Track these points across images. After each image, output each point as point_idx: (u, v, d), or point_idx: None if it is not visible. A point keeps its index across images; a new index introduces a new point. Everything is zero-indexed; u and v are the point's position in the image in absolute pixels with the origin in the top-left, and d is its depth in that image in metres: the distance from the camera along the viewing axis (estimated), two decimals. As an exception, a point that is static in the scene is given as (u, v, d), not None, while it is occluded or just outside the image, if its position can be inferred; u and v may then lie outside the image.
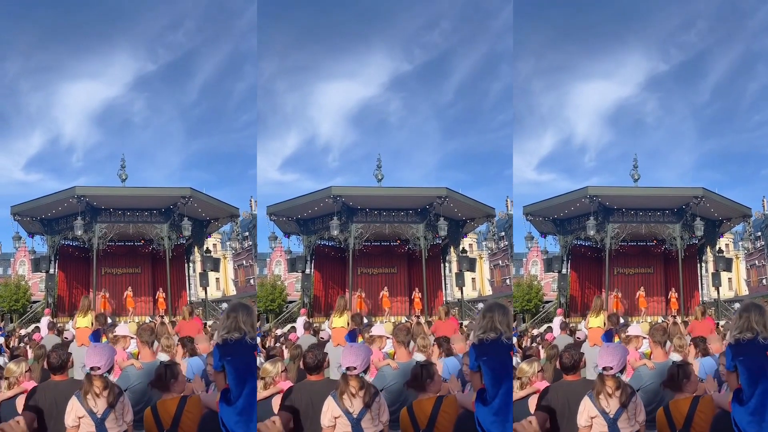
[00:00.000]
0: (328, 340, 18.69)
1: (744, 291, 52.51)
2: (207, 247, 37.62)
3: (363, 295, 35.45)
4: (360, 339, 14.83)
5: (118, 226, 34.01)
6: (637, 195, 34.39)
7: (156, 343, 12.49)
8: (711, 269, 37.95)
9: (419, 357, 11.72)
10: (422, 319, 27.47)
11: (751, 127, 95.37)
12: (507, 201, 44.51)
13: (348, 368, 7.85)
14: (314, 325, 24.87)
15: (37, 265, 36.35)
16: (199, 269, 37.44)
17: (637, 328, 13.76)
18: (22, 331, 28.13)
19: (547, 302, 44.87)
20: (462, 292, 38.19)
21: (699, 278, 38.16)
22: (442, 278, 38.78)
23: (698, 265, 38.11)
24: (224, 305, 39.12)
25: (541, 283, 49.57)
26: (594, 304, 21.31)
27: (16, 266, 52.65)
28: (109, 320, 21.67)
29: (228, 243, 51.71)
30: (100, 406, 7.91)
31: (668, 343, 12.48)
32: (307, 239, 36.39)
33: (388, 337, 13.19)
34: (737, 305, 38.81)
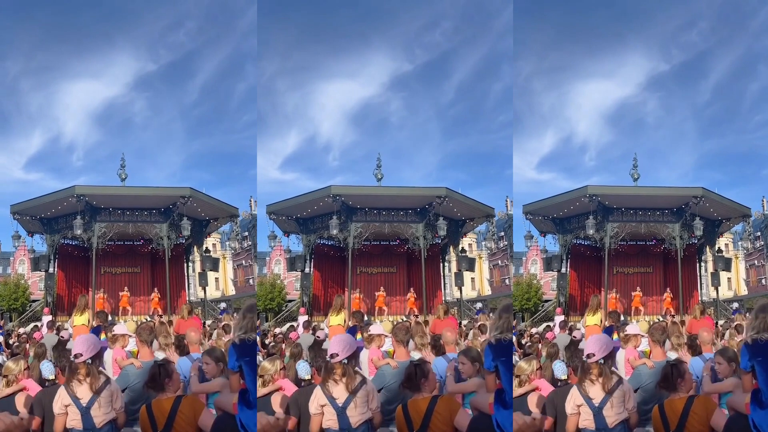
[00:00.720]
0: (325, 339, 18.69)
1: (743, 291, 52.56)
2: (206, 247, 37.62)
3: (361, 295, 35.47)
4: (358, 336, 14.88)
5: (118, 226, 34.00)
6: (637, 194, 34.39)
7: (155, 342, 12.50)
8: (710, 269, 37.98)
9: (417, 356, 11.75)
10: (420, 318, 27.52)
11: (752, 127, 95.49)
12: (507, 201, 44.58)
13: (331, 355, 7.93)
14: (314, 323, 24.88)
15: (36, 264, 36.35)
16: (198, 269, 37.45)
17: (636, 326, 13.79)
18: (21, 330, 28.13)
19: (546, 301, 44.96)
20: (461, 292, 38.21)
21: (698, 278, 38.20)
22: (442, 278, 38.81)
23: (697, 264, 38.13)
24: (222, 305, 39.20)
25: (541, 282, 49.67)
26: (591, 303, 21.41)
27: (16, 265, 52.67)
28: (109, 319, 21.68)
29: (227, 243, 51.77)
30: (85, 393, 7.95)
31: (667, 342, 12.49)
32: (307, 238, 36.39)
33: (387, 336, 13.22)
34: (735, 304, 38.91)
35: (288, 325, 28.24)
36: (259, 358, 12.92)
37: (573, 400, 8.03)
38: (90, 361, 8.05)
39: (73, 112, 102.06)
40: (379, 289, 36.67)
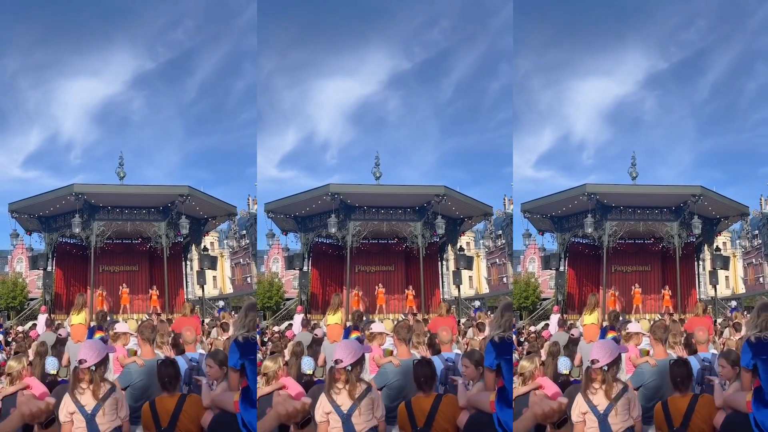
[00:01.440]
0: (323, 338, 18.69)
1: (741, 289, 52.58)
2: (204, 246, 37.61)
3: (360, 293, 35.48)
4: (354, 335, 14.87)
5: (116, 224, 34.01)
6: (635, 193, 34.43)
7: (162, 341, 12.47)
8: (708, 267, 38.00)
9: (416, 353, 11.74)
10: (419, 317, 27.52)
11: (750, 126, 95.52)
12: (504, 199, 44.59)
13: (335, 361, 7.88)
14: (312, 322, 24.87)
15: (34, 262, 36.32)
16: (196, 267, 37.43)
17: (637, 325, 13.78)
18: (20, 328, 28.11)
19: (545, 299, 44.95)
20: (459, 290, 38.21)
21: (696, 276, 38.23)
22: (440, 276, 38.83)
23: (695, 263, 38.16)
24: (221, 303, 39.15)
25: (539, 281, 49.64)
26: (589, 301, 21.37)
27: (14, 263, 52.62)
28: (109, 318, 21.64)
29: (225, 241, 51.76)
30: (89, 401, 7.90)
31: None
32: (305, 237, 36.39)
33: (388, 335, 13.19)
34: (734, 303, 38.90)
35: (287, 323, 28.24)
36: (259, 356, 12.91)
37: (578, 407, 7.97)
38: (94, 367, 7.98)
39: (71, 110, 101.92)
40: (379, 286, 36.65)
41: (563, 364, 9.59)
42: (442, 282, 39.08)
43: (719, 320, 28.82)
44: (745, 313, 29.50)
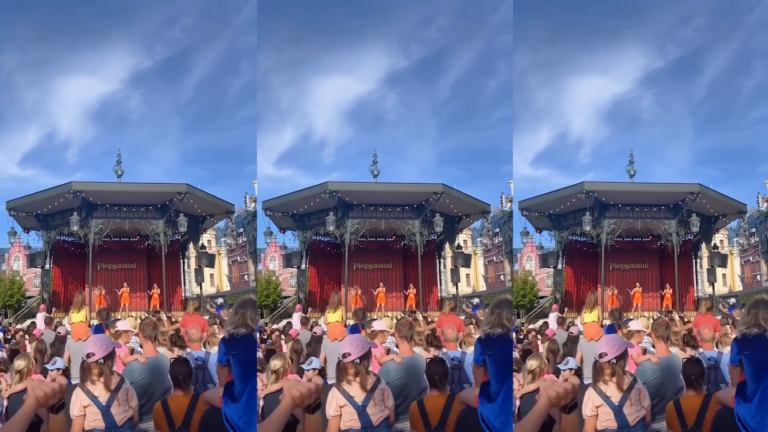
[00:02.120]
0: (321, 335, 18.72)
1: (738, 287, 52.56)
2: (202, 243, 37.59)
3: (359, 291, 35.47)
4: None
5: (114, 222, 33.98)
6: (633, 191, 34.45)
7: (163, 338, 12.49)
8: (706, 265, 38.02)
9: (417, 351, 11.76)
10: (419, 315, 27.53)
11: (748, 124, 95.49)
12: (502, 197, 44.59)
13: (343, 355, 7.94)
14: (311, 320, 24.87)
15: (32, 260, 36.29)
16: (194, 265, 37.41)
17: (639, 323, 13.81)
18: (18, 327, 28.11)
19: (542, 298, 44.92)
20: (457, 288, 38.22)
21: (694, 274, 38.25)
22: (438, 274, 38.83)
23: (693, 261, 38.18)
24: (219, 300, 39.15)
25: (536, 279, 49.62)
26: (588, 299, 21.39)
27: (11, 262, 52.54)
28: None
29: (223, 239, 51.70)
30: (102, 393, 7.97)
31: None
32: (303, 235, 36.37)
33: (389, 332, 13.20)
34: (733, 300, 38.94)
35: (286, 321, 28.28)
36: (259, 354, 12.91)
37: (591, 401, 8.01)
38: (102, 361, 8.05)
39: (68, 108, 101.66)
40: (379, 284, 36.64)
41: (571, 364, 9.64)
42: (440, 280, 39.08)
43: (717, 318, 28.88)
44: (741, 310, 29.58)
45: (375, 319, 19.59)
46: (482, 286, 54.99)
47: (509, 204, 42.77)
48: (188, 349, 12.81)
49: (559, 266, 37.02)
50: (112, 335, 13.08)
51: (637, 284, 36.99)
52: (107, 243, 35.31)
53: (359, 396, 7.87)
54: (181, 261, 37.79)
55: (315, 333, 19.55)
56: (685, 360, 8.66)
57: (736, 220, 39.89)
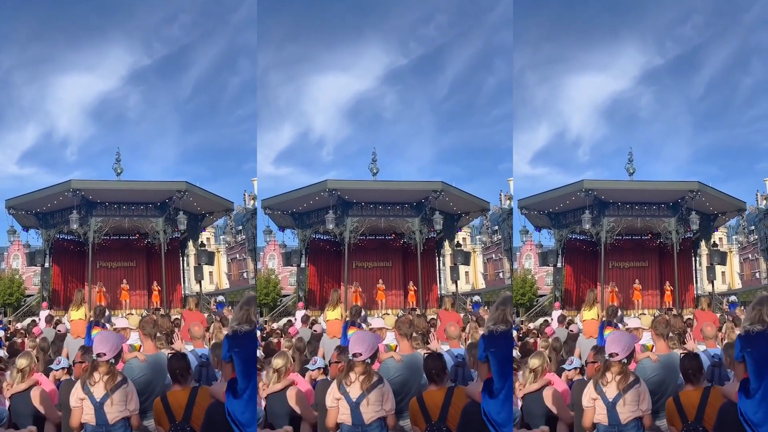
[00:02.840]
0: (321, 333, 18.75)
1: (737, 285, 52.62)
2: (201, 241, 37.59)
3: (359, 289, 35.50)
4: (352, 331, 14.89)
5: (114, 220, 33.97)
6: (633, 189, 34.46)
7: (158, 335, 12.49)
8: (705, 263, 38.02)
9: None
10: (418, 312, 27.54)
11: (746, 121, 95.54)
12: (501, 195, 44.62)
13: (354, 354, 8.01)
14: (311, 318, 24.89)
15: (32, 259, 36.26)
16: (193, 263, 37.41)
17: (636, 320, 13.83)
18: (18, 325, 28.11)
19: (541, 296, 44.94)
20: (456, 286, 38.23)
21: (693, 272, 38.26)
22: (437, 272, 38.84)
23: (693, 258, 38.19)
24: (220, 298, 39.19)
25: (535, 277, 49.67)
26: (588, 297, 21.39)
27: (10, 260, 52.54)
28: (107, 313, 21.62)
29: (222, 237, 51.72)
30: (99, 390, 8.07)
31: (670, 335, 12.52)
32: (302, 233, 36.37)
33: (387, 329, 13.22)
34: (733, 297, 38.97)
35: (286, 319, 28.27)
36: (259, 352, 12.92)
37: (589, 393, 8.14)
38: (113, 360, 8.16)
39: (67, 106, 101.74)
40: (378, 282, 36.67)
41: (575, 363, 9.70)
42: (440, 277, 39.09)
43: (717, 315, 28.90)
44: (743, 308, 29.59)
45: (372, 317, 19.64)
46: (481, 284, 55.03)
47: (508, 202, 42.82)
48: (191, 346, 12.85)
49: (559, 264, 37.01)
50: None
51: (636, 281, 37.01)
52: (107, 241, 35.29)
53: (355, 393, 7.96)
54: (181, 259, 37.78)
55: (315, 331, 19.59)
56: (682, 355, 8.69)
57: (736, 217, 39.90)
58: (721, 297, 39.97)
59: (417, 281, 35.45)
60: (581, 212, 34.11)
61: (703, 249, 38.18)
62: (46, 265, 35.53)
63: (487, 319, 8.43)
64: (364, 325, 16.75)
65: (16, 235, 37.93)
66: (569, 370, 10.33)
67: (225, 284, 52.95)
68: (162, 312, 29.70)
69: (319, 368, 10.69)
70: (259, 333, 19.82)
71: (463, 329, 19.66)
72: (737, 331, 16.44)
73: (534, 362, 9.36)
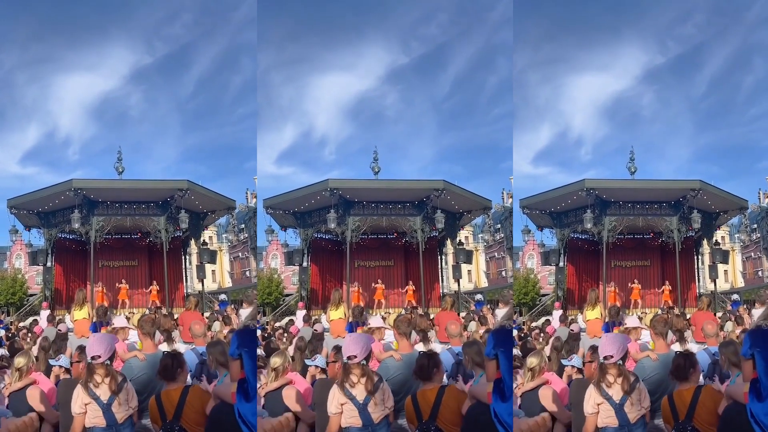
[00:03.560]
0: (322, 332, 18.75)
1: (740, 283, 52.56)
2: (203, 240, 37.58)
3: (360, 289, 35.49)
4: (359, 330, 14.91)
5: (115, 219, 33.96)
6: (634, 188, 34.42)
7: (158, 335, 12.51)
8: (707, 261, 37.97)
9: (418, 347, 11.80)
10: (420, 311, 27.53)
11: (748, 119, 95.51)
12: (503, 193, 44.59)
13: (349, 357, 8.00)
14: (313, 317, 24.90)
15: (34, 258, 36.27)
16: (195, 261, 37.42)
17: (635, 319, 13.81)
18: (21, 324, 28.13)
19: (544, 295, 44.91)
20: (459, 285, 38.21)
21: (696, 270, 38.22)
22: (439, 270, 38.84)
23: (695, 257, 38.15)
24: (222, 296, 39.19)
25: (538, 277, 49.63)
26: (589, 297, 21.38)
27: (13, 259, 52.59)
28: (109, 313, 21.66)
29: (224, 235, 51.73)
30: (104, 392, 8.08)
31: (670, 334, 12.52)
32: (304, 232, 36.37)
33: (387, 329, 13.22)
34: (735, 296, 38.94)
35: (287, 319, 28.28)
36: (259, 351, 12.94)
37: (592, 399, 8.11)
38: (109, 361, 8.18)
39: (68, 105, 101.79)
40: (377, 281, 36.66)
41: (576, 362, 9.70)
42: (442, 276, 39.08)
43: (719, 314, 28.86)
44: (746, 307, 29.56)
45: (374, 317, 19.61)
46: (484, 283, 55.02)
47: (511, 200, 42.78)
48: (193, 345, 12.86)
49: (561, 264, 36.98)
50: (109, 332, 13.13)
51: (636, 281, 36.98)
52: (108, 240, 35.29)
53: (361, 395, 7.94)
54: (183, 257, 37.79)
55: (316, 330, 19.58)
56: (676, 353, 8.68)
57: (738, 216, 39.85)
58: (723, 295, 39.94)
59: (419, 280, 35.43)
60: (583, 211, 34.08)
61: (706, 248, 38.13)
62: (48, 264, 35.55)
63: (504, 316, 8.46)
64: (367, 326, 16.76)
65: (18, 235, 37.93)
66: (567, 366, 10.33)
67: (228, 283, 52.97)
68: (164, 311, 29.77)
69: (317, 366, 10.68)
70: (259, 332, 19.87)
71: (466, 328, 19.69)
72: (738, 331, 16.47)
73: (532, 361, 9.36)
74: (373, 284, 36.64)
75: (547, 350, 13.30)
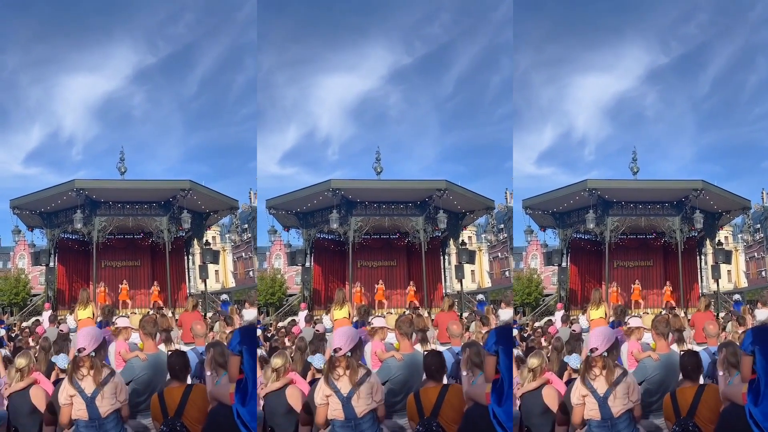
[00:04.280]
0: (323, 333, 18.74)
1: (743, 283, 52.58)
2: (206, 240, 37.59)
3: (362, 289, 35.51)
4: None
5: (118, 219, 34.00)
6: (637, 188, 34.40)
7: (158, 335, 12.51)
8: (710, 262, 37.93)
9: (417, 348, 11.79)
10: (421, 311, 27.53)
11: (751, 119, 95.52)
12: (506, 193, 44.57)
13: (334, 350, 8.06)
14: (315, 318, 24.90)
15: (36, 258, 36.30)
16: (198, 262, 37.45)
17: (638, 319, 13.78)
18: (24, 324, 28.14)
19: (547, 295, 44.96)
20: (461, 285, 38.20)
21: (698, 271, 38.18)
22: (442, 271, 38.82)
23: (698, 257, 38.11)
24: (224, 296, 39.20)
25: (541, 277, 49.69)
26: (593, 297, 21.38)
27: (16, 260, 52.73)
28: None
29: (227, 235, 51.79)
30: (89, 385, 8.11)
31: (671, 335, 12.51)
32: (307, 232, 36.39)
33: (389, 329, 13.19)
34: (737, 296, 38.89)
35: (290, 319, 28.28)
36: (261, 351, 12.92)
37: (578, 391, 8.18)
38: (93, 353, 8.18)
39: (71, 105, 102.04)
40: (378, 282, 36.68)
41: (573, 361, 9.70)
42: (445, 276, 39.08)
43: (722, 314, 28.85)
44: (749, 307, 29.52)
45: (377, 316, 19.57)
46: (487, 282, 55.11)
47: (512, 200, 42.77)
48: (193, 345, 12.87)
49: (564, 264, 36.98)
50: (111, 332, 13.12)
51: (637, 281, 36.97)
52: (111, 240, 35.34)
53: (345, 388, 8.00)
54: (186, 258, 37.79)
55: (317, 330, 19.56)
56: (682, 353, 8.70)
57: (740, 216, 39.81)
58: (726, 296, 39.89)
59: (421, 280, 35.43)
60: (585, 212, 34.09)
61: (708, 248, 38.10)
62: (51, 264, 35.57)
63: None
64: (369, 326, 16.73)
65: (21, 235, 37.98)
66: (568, 363, 10.33)
67: (231, 283, 53.03)
68: (165, 311, 29.78)
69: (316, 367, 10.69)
70: (261, 332, 19.86)
71: (467, 328, 19.69)
72: (740, 331, 16.46)
73: (533, 361, 9.37)
74: (375, 285, 36.67)
75: (547, 351, 13.29)
